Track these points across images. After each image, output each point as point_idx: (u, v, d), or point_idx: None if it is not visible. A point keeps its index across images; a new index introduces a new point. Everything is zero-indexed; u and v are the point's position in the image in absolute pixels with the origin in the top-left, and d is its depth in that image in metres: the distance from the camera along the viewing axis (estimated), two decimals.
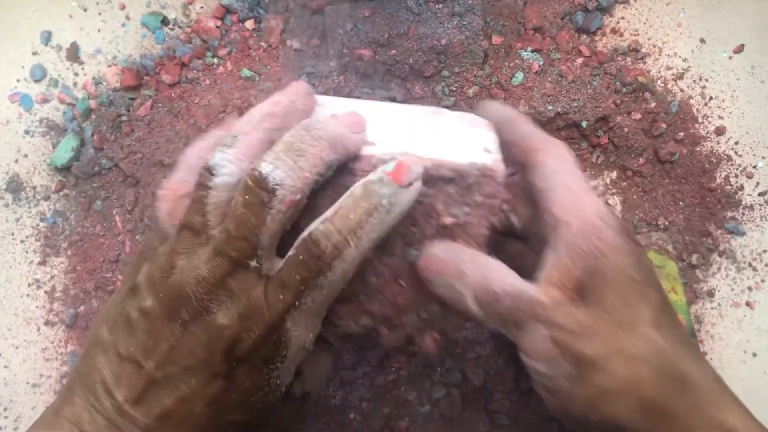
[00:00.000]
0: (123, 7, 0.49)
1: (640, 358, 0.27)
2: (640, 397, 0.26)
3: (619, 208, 0.48)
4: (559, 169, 0.30)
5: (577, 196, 0.29)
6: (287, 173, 0.26)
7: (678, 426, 0.26)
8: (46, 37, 0.48)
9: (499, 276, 0.29)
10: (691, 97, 0.49)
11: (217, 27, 0.48)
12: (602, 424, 0.27)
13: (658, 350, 0.27)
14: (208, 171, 0.28)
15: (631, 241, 0.29)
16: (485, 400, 0.45)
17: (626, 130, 0.47)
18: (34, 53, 0.48)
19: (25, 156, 0.48)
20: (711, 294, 0.48)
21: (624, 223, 0.30)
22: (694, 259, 0.48)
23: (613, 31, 0.49)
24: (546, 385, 0.28)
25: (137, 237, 0.46)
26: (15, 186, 0.48)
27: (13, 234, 0.47)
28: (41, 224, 0.48)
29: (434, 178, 0.30)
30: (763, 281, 0.48)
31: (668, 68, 0.49)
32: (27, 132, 0.48)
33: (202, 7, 0.49)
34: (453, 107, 0.46)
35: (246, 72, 0.46)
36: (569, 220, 0.29)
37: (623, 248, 0.29)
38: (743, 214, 0.48)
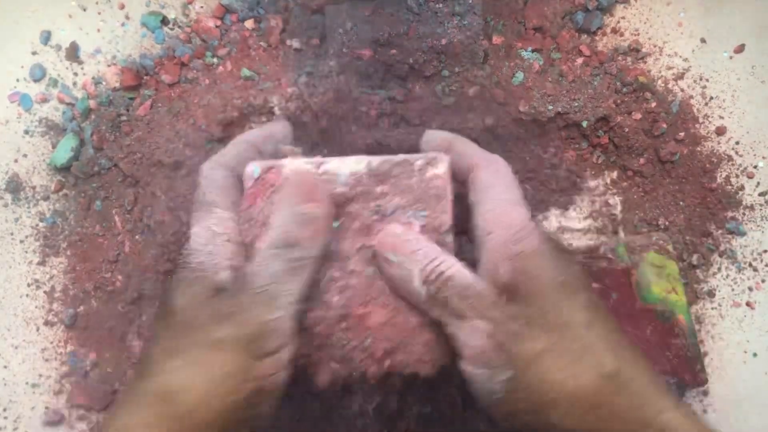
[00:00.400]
0: (122, 7, 0.49)
1: (574, 359, 0.28)
2: (576, 398, 0.27)
3: (619, 208, 0.48)
4: (494, 183, 0.32)
5: (503, 207, 0.31)
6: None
7: (613, 425, 0.27)
8: (46, 37, 0.48)
9: (451, 262, 0.30)
10: (691, 97, 0.49)
11: (217, 26, 0.48)
12: (539, 427, 0.28)
13: (592, 350, 0.28)
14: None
15: (556, 247, 0.30)
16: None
17: (627, 130, 0.47)
18: (34, 53, 0.48)
19: (25, 156, 0.48)
20: (711, 294, 0.48)
21: (550, 234, 0.32)
22: (694, 259, 0.48)
23: (614, 30, 0.49)
24: (482, 389, 0.29)
25: (137, 237, 0.46)
26: (14, 186, 0.47)
27: (12, 234, 0.47)
28: (41, 224, 0.48)
29: (381, 176, 0.32)
30: (763, 281, 0.48)
31: (669, 68, 0.49)
32: (26, 132, 0.48)
33: (201, 7, 0.49)
34: (453, 107, 0.46)
35: (246, 72, 0.46)
36: (492, 229, 0.30)
37: (548, 253, 0.30)
38: (744, 214, 0.48)
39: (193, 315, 0.29)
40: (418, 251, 0.31)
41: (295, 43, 0.47)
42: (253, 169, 0.33)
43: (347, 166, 0.33)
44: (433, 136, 0.36)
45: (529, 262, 0.29)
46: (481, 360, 0.28)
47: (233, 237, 0.31)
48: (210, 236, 0.31)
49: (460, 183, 0.34)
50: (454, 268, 0.30)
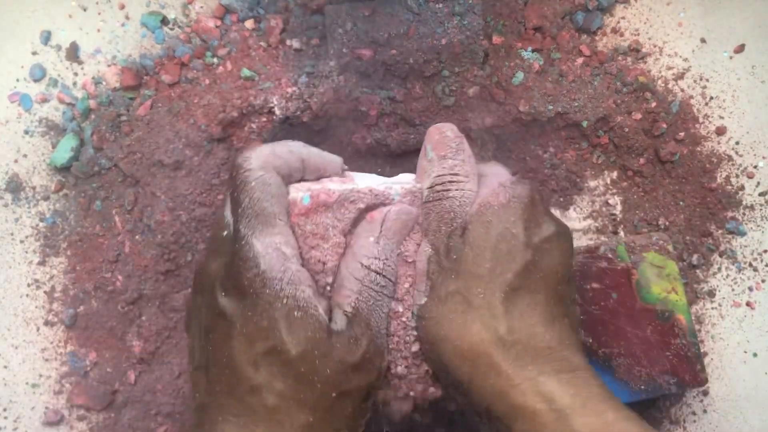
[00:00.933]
0: (122, 7, 0.49)
1: (480, 314, 0.30)
2: (462, 343, 0.29)
3: (619, 208, 0.48)
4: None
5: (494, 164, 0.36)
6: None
7: (499, 381, 0.29)
8: (46, 37, 0.48)
9: (466, 187, 0.33)
10: (691, 97, 0.49)
11: (217, 27, 0.48)
12: (434, 360, 0.31)
13: (492, 309, 0.30)
14: None
15: (531, 210, 0.32)
16: None
17: (627, 130, 0.47)
18: (34, 53, 0.48)
19: (25, 156, 0.48)
20: (711, 294, 0.48)
21: (540, 195, 0.33)
22: (694, 259, 0.48)
23: (614, 30, 0.49)
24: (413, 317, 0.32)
25: (137, 237, 0.46)
26: (14, 186, 0.47)
27: (12, 234, 0.47)
28: (41, 224, 0.48)
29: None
30: (763, 281, 0.48)
31: (669, 68, 0.49)
32: (26, 132, 0.48)
33: (201, 7, 0.49)
34: (453, 107, 0.46)
35: (246, 72, 0.46)
36: (491, 169, 0.35)
37: (516, 210, 0.32)
38: (744, 214, 0.48)
39: (318, 365, 0.28)
40: (448, 158, 0.33)
41: (295, 43, 0.47)
42: (302, 196, 0.32)
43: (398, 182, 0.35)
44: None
45: (491, 210, 0.32)
46: (418, 282, 0.32)
47: (299, 259, 0.31)
48: (282, 259, 0.29)
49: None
50: (461, 193, 0.32)
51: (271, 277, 0.28)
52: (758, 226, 0.48)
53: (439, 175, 0.32)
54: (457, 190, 0.32)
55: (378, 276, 0.31)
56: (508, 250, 0.30)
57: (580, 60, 0.48)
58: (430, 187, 0.32)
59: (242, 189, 0.30)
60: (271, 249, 0.29)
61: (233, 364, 0.28)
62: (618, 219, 0.48)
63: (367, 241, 0.31)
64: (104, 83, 0.48)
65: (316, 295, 0.30)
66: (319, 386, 0.28)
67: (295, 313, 0.28)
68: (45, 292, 0.47)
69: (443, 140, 0.34)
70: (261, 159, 0.31)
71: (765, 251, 0.48)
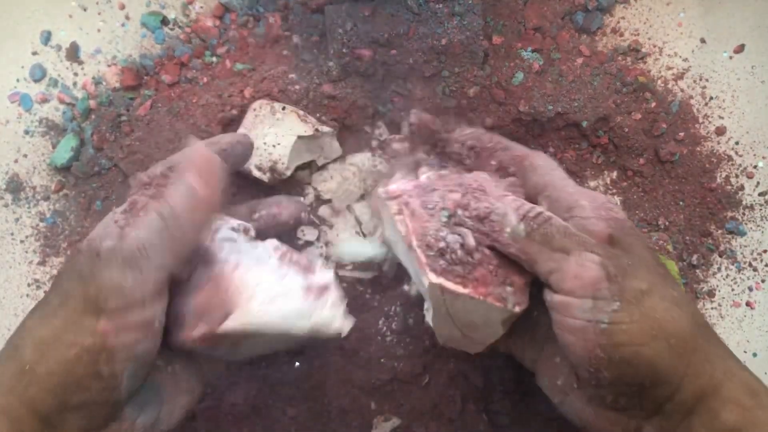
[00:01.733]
0: (123, 7, 0.49)
1: (674, 303, 0.29)
2: (676, 338, 0.29)
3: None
4: (554, 167, 0.35)
5: (578, 187, 0.34)
6: None
7: (704, 368, 0.29)
8: (46, 37, 0.48)
9: (542, 208, 0.32)
10: (691, 97, 0.49)
11: (216, 26, 0.48)
12: (628, 366, 0.29)
13: (686, 301, 0.30)
14: None
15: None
16: (485, 400, 0.45)
17: (626, 130, 0.47)
18: (34, 53, 0.48)
19: (25, 156, 0.48)
20: (711, 294, 0.48)
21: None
22: (694, 259, 0.48)
23: (614, 30, 0.49)
24: (582, 320, 0.29)
25: None
26: (15, 186, 0.47)
27: (12, 234, 0.47)
28: (41, 224, 0.48)
29: None
30: (763, 281, 0.48)
31: (668, 68, 0.49)
32: (27, 132, 0.48)
33: (201, 7, 0.49)
34: (453, 108, 0.46)
35: (238, 66, 0.46)
36: (580, 199, 0.32)
37: (633, 225, 0.32)
38: (743, 214, 0.48)
39: (64, 278, 0.30)
40: (506, 195, 0.33)
41: (295, 41, 0.47)
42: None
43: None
44: (467, 130, 0.39)
45: (623, 224, 0.31)
46: (590, 290, 0.29)
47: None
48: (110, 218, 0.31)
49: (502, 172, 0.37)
50: (549, 212, 0.31)
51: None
52: (758, 226, 0.48)
53: (519, 206, 0.32)
54: (552, 216, 0.32)
55: None
56: (656, 254, 0.32)
57: (579, 60, 0.48)
58: (520, 219, 0.31)
59: None
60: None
61: None
62: None
63: None
64: (104, 83, 0.48)
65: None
66: None
67: (87, 244, 0.30)
68: (45, 292, 0.47)
69: (486, 183, 0.34)
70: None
71: (765, 251, 0.48)
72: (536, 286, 0.33)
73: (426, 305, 0.34)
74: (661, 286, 0.30)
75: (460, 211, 0.33)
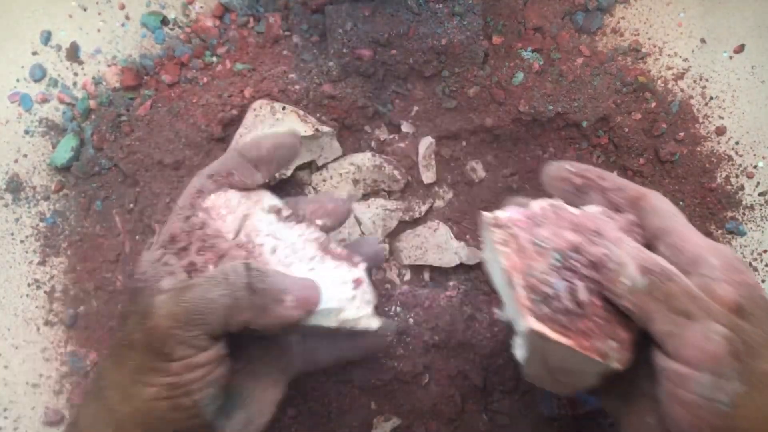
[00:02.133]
0: (123, 7, 0.49)
1: None
2: None
3: None
4: (675, 212, 0.31)
5: (705, 238, 0.30)
6: None
7: None
8: (46, 37, 0.48)
9: (665, 261, 0.29)
10: (691, 97, 0.49)
11: (216, 26, 0.48)
12: None
13: None
14: None
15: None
16: (485, 400, 0.45)
17: (626, 130, 0.47)
18: (34, 53, 0.48)
19: (25, 156, 0.48)
20: None
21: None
22: None
23: (614, 30, 0.49)
24: (700, 395, 0.26)
25: (137, 237, 0.46)
26: (15, 186, 0.47)
27: (12, 234, 0.47)
28: (41, 224, 0.48)
29: None
30: (763, 281, 0.48)
31: (669, 68, 0.49)
32: (27, 132, 0.48)
33: (201, 7, 0.49)
34: (454, 110, 0.46)
35: (238, 66, 0.46)
36: (708, 254, 0.29)
37: (763, 291, 0.29)
38: (744, 214, 0.48)
39: (129, 321, 0.30)
40: (624, 239, 0.29)
41: (295, 41, 0.47)
42: None
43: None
44: (577, 166, 0.35)
45: (754, 291, 0.28)
46: (712, 365, 0.26)
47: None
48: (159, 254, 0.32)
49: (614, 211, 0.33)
50: (672, 267, 0.28)
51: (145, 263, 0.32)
52: (758, 226, 0.48)
53: (638, 255, 0.29)
54: (676, 272, 0.28)
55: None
56: None
57: (579, 60, 0.48)
58: (640, 271, 0.28)
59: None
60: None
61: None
62: None
63: None
64: (104, 83, 0.48)
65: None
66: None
67: (140, 285, 0.31)
68: (45, 292, 0.47)
69: (601, 224, 0.30)
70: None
71: (765, 251, 0.48)
72: (641, 342, 0.30)
73: (517, 340, 0.32)
74: None
75: (572, 254, 0.30)
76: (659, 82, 0.49)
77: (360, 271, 0.35)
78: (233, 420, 0.32)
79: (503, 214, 0.32)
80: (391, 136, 0.47)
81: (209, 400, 0.30)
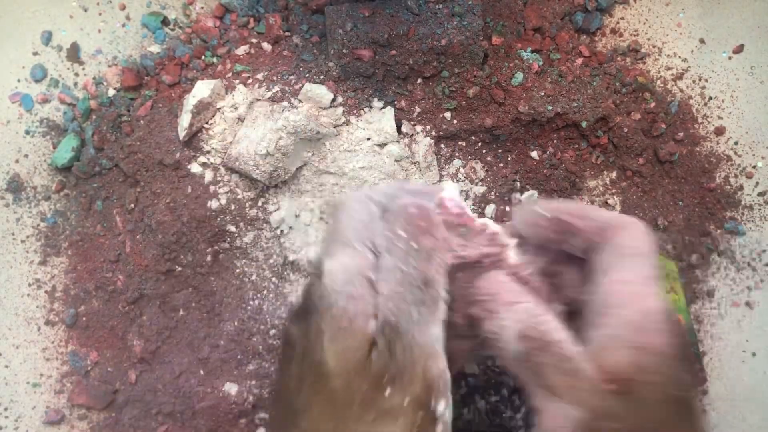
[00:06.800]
0: (123, 8, 0.49)
1: None
2: None
3: (618, 208, 0.48)
4: (638, 252, 0.27)
5: (643, 286, 0.26)
6: None
7: None
8: (47, 38, 0.48)
9: (554, 325, 0.26)
10: (690, 97, 0.49)
11: (216, 26, 0.48)
12: None
13: None
14: None
15: (679, 350, 0.26)
16: (485, 399, 0.45)
17: (626, 130, 0.47)
18: (35, 53, 0.48)
19: (26, 156, 0.48)
20: (711, 294, 0.48)
21: (679, 329, 0.28)
22: (693, 258, 0.48)
23: (613, 31, 0.50)
24: None
25: (138, 237, 0.46)
26: (15, 186, 0.48)
27: (13, 234, 0.48)
28: (42, 224, 0.48)
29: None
30: (762, 281, 0.48)
31: (668, 68, 0.49)
32: (27, 132, 0.48)
33: (202, 7, 0.49)
34: (454, 110, 0.46)
35: (239, 66, 0.46)
36: (622, 306, 0.26)
37: (671, 356, 0.25)
38: (743, 214, 0.48)
39: (354, 380, 0.26)
40: (518, 304, 0.27)
41: (295, 41, 0.47)
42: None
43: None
44: (534, 212, 0.30)
45: (651, 359, 0.25)
46: None
47: (369, 274, 0.27)
48: (346, 274, 0.27)
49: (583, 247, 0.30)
50: (557, 332, 0.26)
51: (331, 290, 0.27)
52: (757, 226, 0.48)
53: (520, 319, 0.27)
54: (555, 340, 0.26)
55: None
56: (681, 410, 0.26)
57: (579, 60, 0.48)
58: (518, 338, 0.26)
59: (334, 216, 0.29)
60: (337, 264, 0.27)
61: (283, 389, 0.27)
62: None
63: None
64: (105, 84, 0.48)
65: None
66: (356, 408, 0.25)
67: (342, 323, 0.26)
68: (46, 291, 0.47)
69: (501, 285, 0.28)
70: (362, 191, 0.30)
71: (764, 251, 0.48)
72: None
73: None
74: None
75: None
76: (658, 82, 0.49)
77: None
78: None
79: (452, 193, 0.30)
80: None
81: None
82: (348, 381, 0.25)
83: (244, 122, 0.45)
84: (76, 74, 0.49)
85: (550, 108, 0.46)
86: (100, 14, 0.49)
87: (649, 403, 0.25)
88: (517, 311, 0.27)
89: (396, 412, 0.25)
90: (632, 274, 0.26)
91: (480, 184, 0.47)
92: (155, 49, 0.48)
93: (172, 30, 0.49)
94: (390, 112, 0.46)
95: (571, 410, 0.24)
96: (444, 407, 0.26)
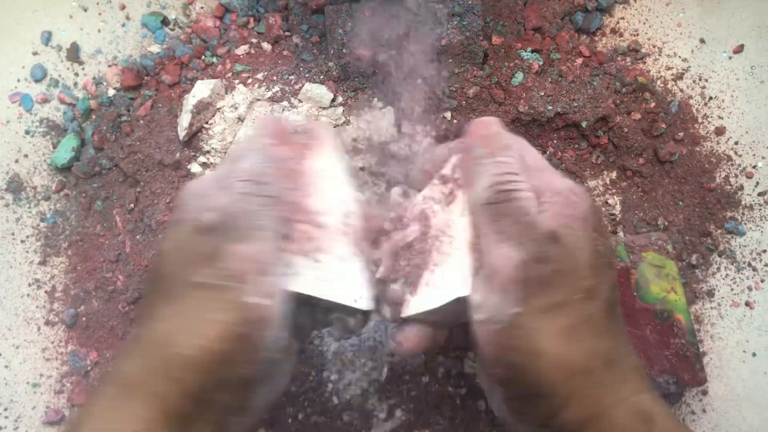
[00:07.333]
0: (123, 8, 0.49)
1: (579, 323, 0.28)
2: (569, 359, 0.28)
3: (618, 208, 0.48)
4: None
5: (560, 176, 0.32)
6: None
7: (591, 392, 0.28)
8: (47, 37, 0.48)
9: (526, 186, 0.30)
10: (690, 97, 0.49)
11: (216, 26, 0.48)
12: (515, 372, 0.28)
13: (595, 325, 0.29)
14: None
15: (599, 219, 0.31)
16: (485, 399, 0.45)
17: (626, 130, 0.47)
18: (35, 53, 0.48)
19: (26, 156, 0.48)
20: (711, 294, 0.48)
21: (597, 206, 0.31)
22: (693, 259, 0.48)
23: (613, 31, 0.50)
24: (486, 314, 0.29)
25: (137, 237, 0.46)
26: (15, 186, 0.48)
27: (13, 234, 0.48)
28: (41, 224, 0.48)
29: None
30: (762, 281, 0.48)
31: (668, 68, 0.49)
32: (27, 132, 0.48)
33: (202, 7, 0.49)
34: (454, 111, 0.46)
35: (238, 66, 0.46)
36: (553, 186, 0.30)
37: (593, 221, 0.30)
38: (743, 214, 0.48)
39: (177, 257, 0.29)
40: (503, 155, 0.30)
41: (295, 41, 0.47)
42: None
43: None
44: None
45: (576, 222, 0.30)
46: (500, 287, 0.28)
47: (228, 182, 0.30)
48: (204, 182, 0.31)
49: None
50: (525, 193, 0.29)
51: (191, 194, 0.31)
52: (757, 225, 0.48)
53: (499, 174, 0.30)
54: (524, 190, 0.29)
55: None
56: (601, 265, 0.30)
57: (579, 60, 0.48)
58: (490, 186, 0.30)
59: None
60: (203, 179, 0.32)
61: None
62: (617, 219, 0.48)
63: None
64: (105, 83, 0.48)
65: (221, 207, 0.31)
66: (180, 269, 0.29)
67: (182, 215, 0.30)
68: (46, 291, 0.47)
69: (493, 136, 0.31)
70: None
71: (764, 251, 0.48)
72: None
73: None
74: (578, 304, 0.28)
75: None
76: (658, 82, 0.49)
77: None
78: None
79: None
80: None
81: (269, 346, 0.28)
82: (175, 256, 0.29)
83: (244, 122, 0.45)
84: (76, 74, 0.49)
85: (550, 108, 0.46)
86: (99, 14, 0.49)
87: (576, 252, 0.29)
88: (501, 160, 0.30)
89: (207, 286, 0.28)
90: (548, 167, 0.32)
91: None
92: (155, 49, 0.48)
93: (172, 30, 0.49)
94: (390, 112, 0.46)
95: (515, 252, 0.28)
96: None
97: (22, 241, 0.48)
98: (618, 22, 0.50)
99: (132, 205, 0.47)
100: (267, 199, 0.29)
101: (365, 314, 0.33)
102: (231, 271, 0.28)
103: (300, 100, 0.46)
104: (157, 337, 0.28)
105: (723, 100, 0.49)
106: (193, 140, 0.45)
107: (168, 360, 0.27)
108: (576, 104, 0.46)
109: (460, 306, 0.30)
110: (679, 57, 0.49)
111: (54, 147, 0.48)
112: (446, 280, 0.31)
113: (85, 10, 0.49)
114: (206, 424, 0.28)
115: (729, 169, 0.49)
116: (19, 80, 0.48)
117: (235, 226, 0.29)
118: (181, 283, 0.29)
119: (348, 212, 0.33)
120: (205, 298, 0.28)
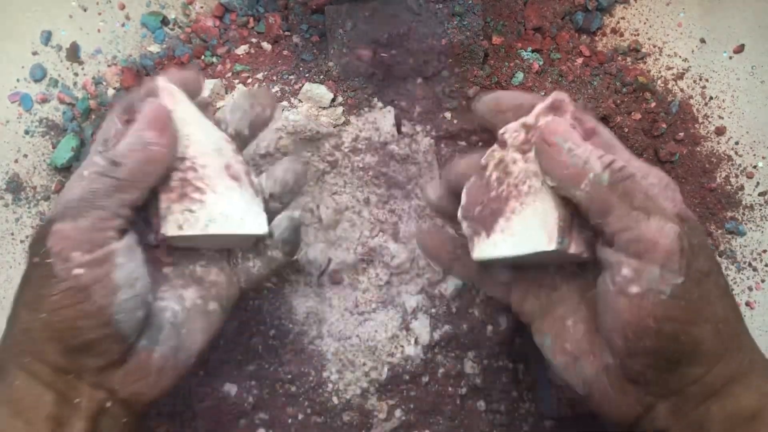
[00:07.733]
0: (123, 7, 0.49)
1: (725, 290, 0.31)
2: (723, 322, 0.29)
3: None
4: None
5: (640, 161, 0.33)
6: None
7: (734, 356, 0.30)
8: (46, 37, 0.48)
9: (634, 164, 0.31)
10: (691, 97, 0.49)
11: (216, 26, 0.48)
12: (673, 341, 0.29)
13: (731, 290, 0.32)
14: None
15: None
16: (485, 399, 0.45)
17: (626, 130, 0.47)
18: (34, 53, 0.48)
19: (25, 156, 0.48)
20: None
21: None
22: None
23: (613, 31, 0.50)
24: (643, 286, 0.29)
25: None
26: (15, 186, 0.48)
27: (13, 234, 0.48)
28: (41, 224, 0.48)
29: None
30: (763, 281, 0.48)
31: (668, 68, 0.49)
32: (27, 132, 0.48)
33: (201, 7, 0.49)
34: (454, 111, 0.46)
35: (238, 66, 0.46)
36: (653, 174, 0.31)
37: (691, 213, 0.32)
38: (743, 214, 0.48)
39: (33, 245, 0.31)
40: (587, 143, 0.31)
41: (295, 41, 0.47)
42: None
43: None
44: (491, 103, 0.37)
45: (686, 208, 0.31)
46: (662, 259, 0.28)
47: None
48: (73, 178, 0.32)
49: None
50: (634, 171, 0.30)
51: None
52: (758, 226, 0.48)
53: (600, 156, 0.30)
54: (629, 168, 0.30)
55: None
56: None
57: (579, 60, 0.48)
58: (605, 168, 0.30)
59: None
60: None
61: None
62: None
63: None
64: (104, 83, 0.48)
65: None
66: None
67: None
68: None
69: (567, 130, 0.32)
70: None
71: (764, 251, 0.48)
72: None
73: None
74: (717, 273, 0.30)
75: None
76: (659, 82, 0.49)
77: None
78: (160, 344, 0.32)
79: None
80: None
81: (120, 305, 0.30)
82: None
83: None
84: (76, 74, 0.49)
85: None
86: (99, 14, 0.49)
87: (699, 233, 0.30)
88: (590, 147, 0.31)
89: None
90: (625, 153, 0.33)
91: None
92: (155, 48, 0.48)
93: (172, 30, 0.49)
94: (390, 112, 0.46)
95: (669, 225, 0.29)
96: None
97: (22, 241, 0.47)
98: (618, 22, 0.50)
99: None
100: (108, 179, 0.30)
101: (262, 238, 0.36)
102: (53, 248, 0.29)
103: (300, 100, 0.46)
104: (10, 317, 0.31)
105: (723, 100, 0.49)
106: None
107: (25, 333, 0.30)
108: (576, 104, 0.46)
109: (538, 258, 0.32)
110: (680, 57, 0.49)
111: (53, 147, 0.48)
112: (526, 231, 0.32)
113: (85, 10, 0.49)
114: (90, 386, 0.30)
115: (729, 169, 0.49)
116: (18, 80, 0.48)
117: (68, 209, 0.30)
118: (29, 265, 0.31)
119: (220, 149, 0.35)
120: (39, 275, 0.30)
